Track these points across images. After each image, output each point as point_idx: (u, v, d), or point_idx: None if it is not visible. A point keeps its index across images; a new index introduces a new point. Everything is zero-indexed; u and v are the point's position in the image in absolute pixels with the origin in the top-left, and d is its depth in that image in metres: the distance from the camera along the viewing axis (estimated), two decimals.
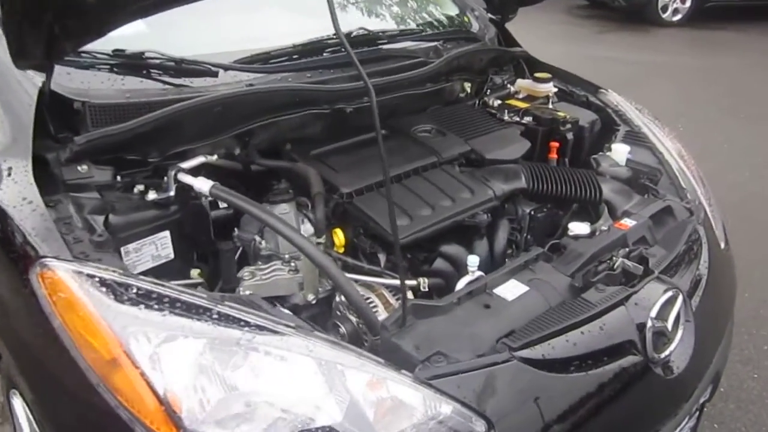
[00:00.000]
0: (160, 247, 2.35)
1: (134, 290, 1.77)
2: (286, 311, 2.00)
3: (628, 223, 2.55)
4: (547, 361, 1.91)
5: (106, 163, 2.35)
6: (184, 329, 1.70)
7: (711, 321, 2.56)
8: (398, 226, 2.26)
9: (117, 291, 1.77)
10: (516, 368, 1.86)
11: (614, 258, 2.32)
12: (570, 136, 3.14)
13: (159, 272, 2.37)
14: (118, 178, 2.36)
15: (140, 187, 2.38)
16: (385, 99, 2.95)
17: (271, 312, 1.84)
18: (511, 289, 2.15)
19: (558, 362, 1.94)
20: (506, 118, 3.28)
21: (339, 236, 2.32)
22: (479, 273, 2.24)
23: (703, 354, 2.42)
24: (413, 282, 2.26)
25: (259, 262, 2.38)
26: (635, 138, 3.29)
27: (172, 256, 2.38)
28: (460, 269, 2.40)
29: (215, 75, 2.62)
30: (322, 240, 2.26)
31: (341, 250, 2.36)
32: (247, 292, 2.25)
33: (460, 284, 2.21)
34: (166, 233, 2.36)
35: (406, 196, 2.47)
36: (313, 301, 2.32)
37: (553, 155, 3.09)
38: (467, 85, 3.53)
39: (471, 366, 1.83)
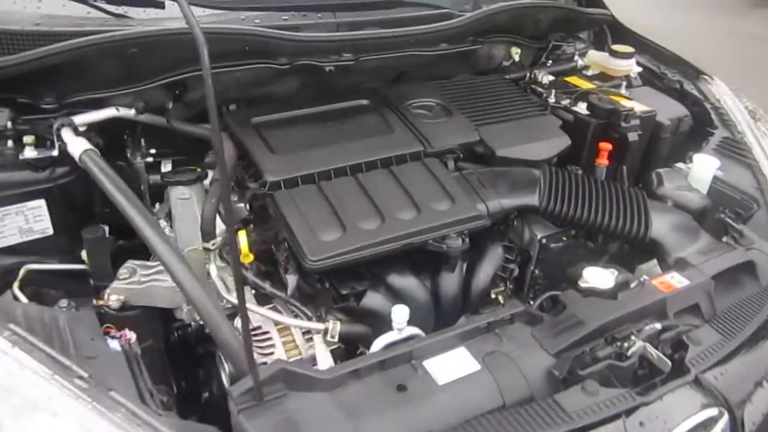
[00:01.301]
0: (31, 218, 1.84)
1: None
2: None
3: (676, 280, 1.72)
4: None
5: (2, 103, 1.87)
6: None
7: None
8: (321, 241, 1.59)
9: None
10: None
11: (633, 337, 1.53)
12: (634, 136, 2.26)
13: (34, 250, 1.87)
14: (8, 124, 1.87)
15: (28, 140, 1.87)
16: (385, 59, 2.23)
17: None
18: (451, 365, 1.44)
19: None
20: (552, 100, 2.43)
21: (243, 241, 1.68)
22: (410, 330, 1.54)
23: None
24: (319, 326, 1.59)
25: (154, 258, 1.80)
26: (733, 149, 2.36)
27: (50, 231, 1.87)
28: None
29: (161, 6, 2.04)
30: (211, 246, 1.64)
31: (247, 260, 1.72)
32: (114, 298, 1.70)
33: (376, 345, 1.52)
34: (41, 203, 1.84)
35: (352, 197, 1.78)
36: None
37: (603, 161, 2.24)
38: (515, 52, 2.69)
39: None
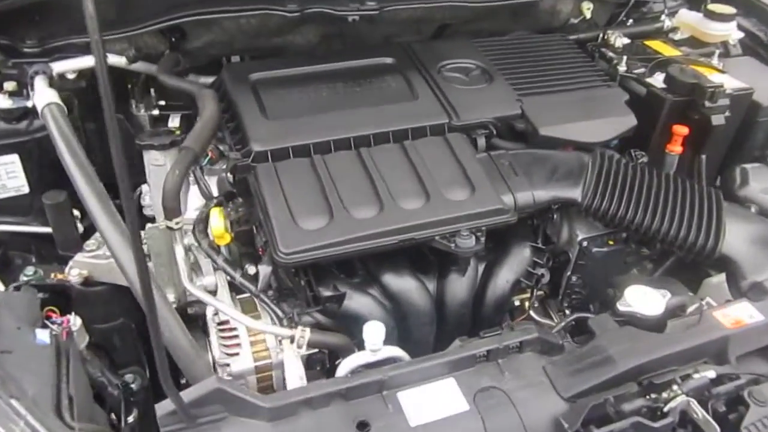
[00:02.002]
0: (4, 175, 1.68)
1: None
2: None
3: (746, 313, 1.34)
4: None
5: None
6: None
7: None
8: (300, 230, 1.33)
9: None
10: None
11: (676, 387, 1.19)
12: (720, 119, 1.82)
13: (10, 209, 1.73)
14: None
15: (9, 87, 1.70)
16: (419, 9, 1.90)
17: None
18: (432, 401, 1.16)
19: None
20: (622, 68, 2.01)
21: (216, 220, 1.44)
22: (388, 352, 1.26)
23: None
24: (284, 332, 1.33)
25: None
26: None
27: (25, 189, 1.71)
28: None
29: None
30: (174, 225, 1.41)
31: (223, 241, 1.49)
32: (75, 272, 1.51)
33: (343, 368, 1.25)
34: (14, 158, 1.67)
35: (350, 177, 1.49)
36: (175, 305, 1.51)
37: (675, 148, 1.83)
38: (587, 7, 2.27)
39: None
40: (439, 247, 1.42)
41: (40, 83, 1.59)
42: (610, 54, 2.11)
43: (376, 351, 1.22)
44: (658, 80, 1.95)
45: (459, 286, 1.50)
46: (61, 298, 1.63)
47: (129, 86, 1.95)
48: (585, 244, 1.60)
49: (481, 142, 1.67)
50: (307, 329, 1.32)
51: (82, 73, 1.82)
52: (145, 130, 1.95)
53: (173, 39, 1.78)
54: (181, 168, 1.40)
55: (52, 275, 1.51)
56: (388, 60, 1.84)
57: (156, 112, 1.96)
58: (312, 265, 1.38)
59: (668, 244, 1.54)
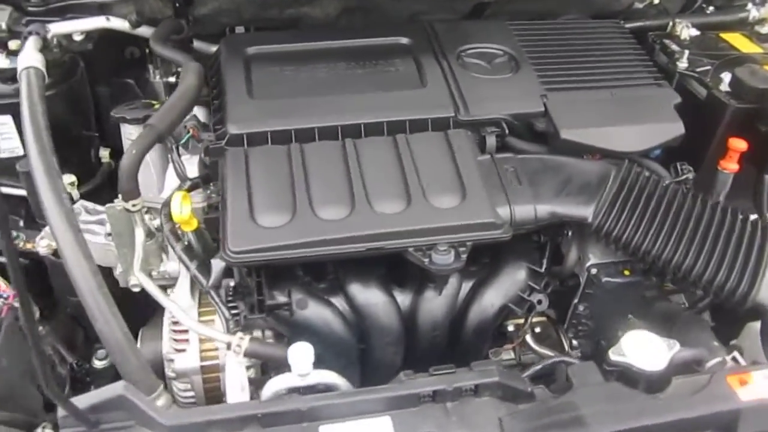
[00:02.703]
0: None
1: None
2: None
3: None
4: None
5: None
6: None
7: None
8: (256, 226, 1.21)
9: None
10: None
11: None
12: None
13: (4, 171, 1.71)
14: (2, 25, 1.68)
15: (13, 46, 1.67)
16: None
17: None
18: None
19: None
20: (683, 65, 1.73)
21: (177, 205, 1.34)
22: (322, 378, 1.11)
23: None
24: (221, 336, 1.22)
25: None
26: None
27: (20, 151, 1.68)
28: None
29: None
30: (131, 206, 1.32)
31: (189, 227, 1.39)
32: (44, 243, 1.47)
33: (267, 389, 1.12)
34: (7, 119, 1.64)
35: (326, 171, 1.34)
36: (136, 289, 1.44)
37: (729, 165, 1.54)
38: None
39: None
40: (413, 261, 1.25)
41: (29, 44, 1.54)
42: (673, 46, 1.82)
43: (305, 375, 1.08)
44: (725, 82, 1.66)
45: (434, 305, 1.33)
46: (40, 267, 1.62)
47: (147, 51, 1.89)
48: (594, 271, 1.38)
49: (491, 141, 1.47)
50: (247, 337, 1.20)
51: (89, 35, 1.76)
52: (159, 97, 1.89)
53: (177, 4, 1.68)
54: (139, 147, 1.30)
55: (21, 243, 1.47)
56: (404, 40, 1.65)
57: (173, 79, 1.89)
58: (267, 265, 1.25)
59: (692, 283, 1.29)
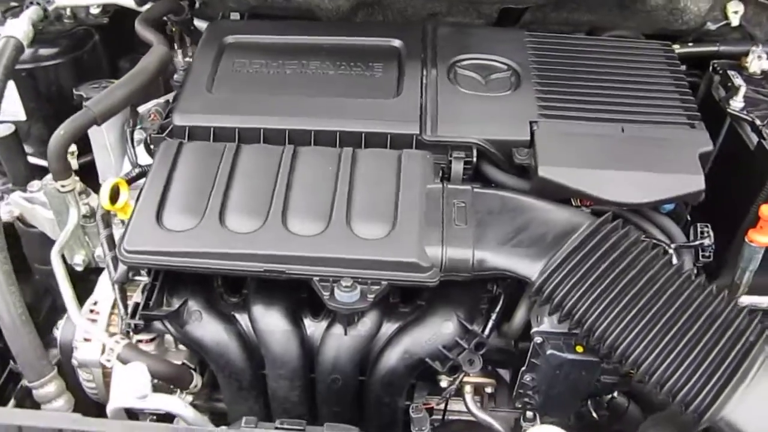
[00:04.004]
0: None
1: None
2: None
3: None
4: None
5: None
6: None
7: None
8: (159, 227, 1.15)
9: None
10: None
11: None
12: None
13: None
14: None
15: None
16: None
17: None
18: None
19: None
20: (737, 105, 1.41)
21: (103, 191, 1.29)
22: (157, 403, 1.02)
23: None
24: (99, 335, 1.16)
25: None
26: None
27: (22, 116, 1.74)
28: None
29: None
30: (60, 187, 1.29)
31: (124, 215, 1.34)
32: (6, 210, 1.51)
33: (109, 406, 1.04)
34: (9, 84, 1.69)
35: (253, 178, 1.24)
36: (79, 267, 1.44)
37: (759, 237, 1.23)
38: (733, 9, 1.63)
39: None
40: (316, 291, 1.12)
41: (24, 15, 1.56)
42: (737, 80, 1.49)
43: (143, 397, 0.99)
44: None
45: (339, 344, 1.18)
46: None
47: (171, 29, 1.88)
48: (539, 339, 1.16)
49: (457, 168, 1.28)
50: (123, 342, 1.13)
51: (105, 9, 1.78)
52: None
53: None
54: (68, 128, 1.27)
55: None
56: (396, 43, 1.49)
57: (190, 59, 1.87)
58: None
59: (639, 381, 1.03)
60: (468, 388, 1.32)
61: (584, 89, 1.38)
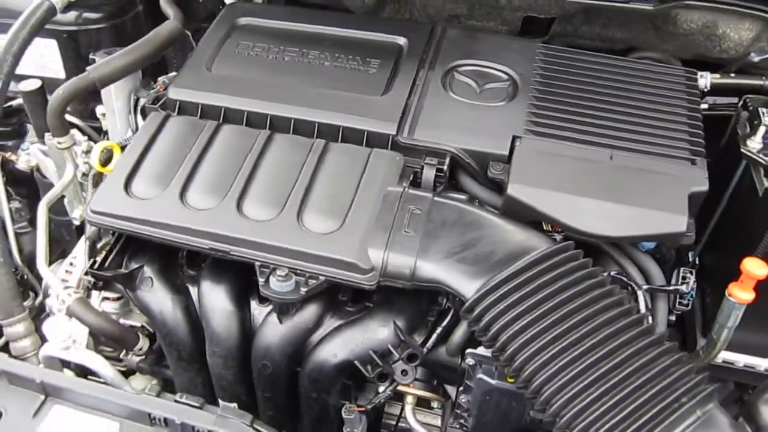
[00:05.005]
0: (46, 56, 1.84)
1: None
2: None
3: None
4: None
5: None
6: None
7: None
8: (126, 192, 1.21)
9: None
10: None
11: None
12: None
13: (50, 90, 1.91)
14: None
15: None
16: None
17: None
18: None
19: None
20: (755, 145, 1.29)
21: (93, 152, 1.36)
22: (89, 360, 1.06)
23: None
24: (59, 290, 1.22)
25: None
26: None
27: (62, 74, 1.85)
28: None
29: None
30: (58, 144, 1.38)
31: None
32: (24, 159, 1.63)
33: (42, 352, 1.10)
34: (52, 42, 1.81)
35: (223, 158, 1.26)
36: (76, 222, 1.54)
37: (739, 293, 1.11)
38: None
39: None
40: (256, 277, 1.13)
41: None
42: (766, 120, 1.36)
43: (66, 349, 1.05)
44: None
45: (273, 332, 1.19)
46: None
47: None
48: (471, 362, 1.11)
49: (428, 174, 1.25)
50: (75, 296, 1.19)
51: None
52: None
53: None
54: (67, 89, 1.35)
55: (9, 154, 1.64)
56: (401, 41, 1.47)
57: None
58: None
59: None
60: (410, 399, 1.29)
61: (582, 109, 1.31)
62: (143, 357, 1.31)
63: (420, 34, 1.48)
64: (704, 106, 1.56)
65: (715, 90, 1.54)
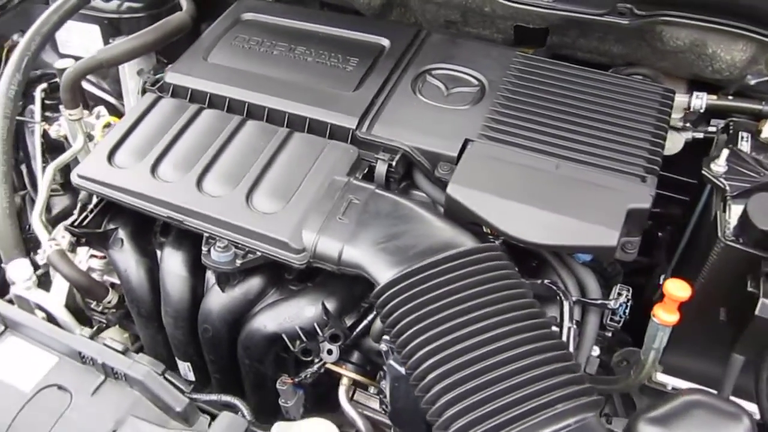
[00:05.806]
0: (89, 40, 2.03)
1: None
2: None
3: None
4: None
5: None
6: None
7: None
8: (109, 161, 1.36)
9: None
10: None
11: None
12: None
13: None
14: None
15: None
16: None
17: None
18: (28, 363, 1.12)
19: None
20: (719, 169, 1.26)
21: (97, 124, 1.53)
22: (35, 297, 1.20)
23: None
24: (44, 240, 1.38)
25: None
26: None
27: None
28: None
29: None
30: (69, 116, 1.55)
31: None
32: (56, 128, 1.82)
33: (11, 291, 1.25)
34: (95, 28, 2.00)
35: (197, 138, 1.38)
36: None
37: (663, 316, 1.10)
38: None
39: None
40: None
41: None
42: (743, 144, 1.32)
43: (28, 289, 1.20)
44: (738, 209, 1.17)
45: (216, 299, 1.29)
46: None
47: None
48: (385, 348, 1.16)
49: (380, 169, 1.31)
50: (65, 240, 1.35)
51: None
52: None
53: None
54: (78, 67, 1.52)
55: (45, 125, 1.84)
56: (384, 42, 1.54)
57: None
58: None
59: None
60: (345, 381, 1.35)
61: (542, 118, 1.32)
62: (113, 310, 1.46)
63: (404, 37, 1.54)
64: (711, 129, 1.54)
65: (714, 112, 1.50)
